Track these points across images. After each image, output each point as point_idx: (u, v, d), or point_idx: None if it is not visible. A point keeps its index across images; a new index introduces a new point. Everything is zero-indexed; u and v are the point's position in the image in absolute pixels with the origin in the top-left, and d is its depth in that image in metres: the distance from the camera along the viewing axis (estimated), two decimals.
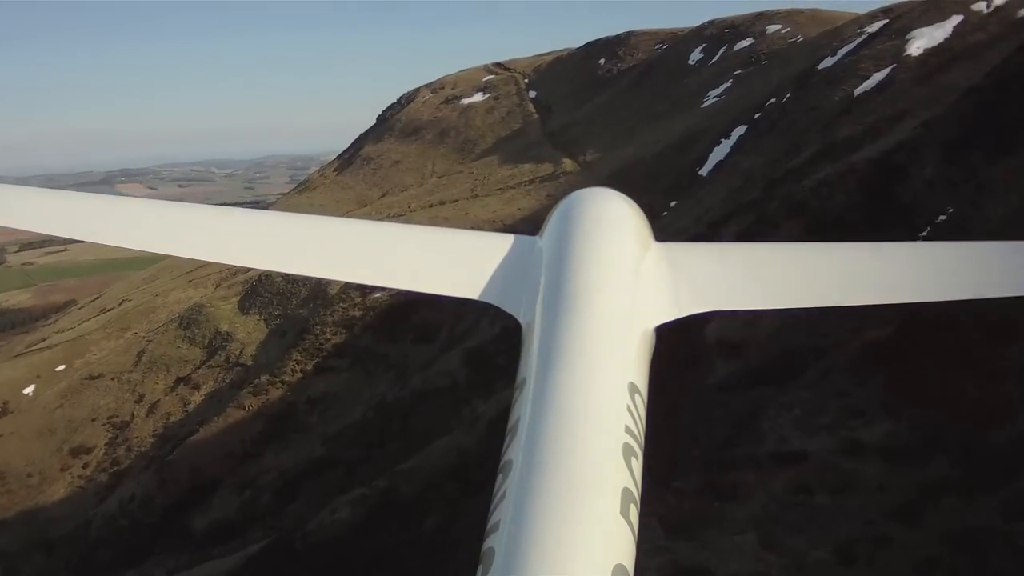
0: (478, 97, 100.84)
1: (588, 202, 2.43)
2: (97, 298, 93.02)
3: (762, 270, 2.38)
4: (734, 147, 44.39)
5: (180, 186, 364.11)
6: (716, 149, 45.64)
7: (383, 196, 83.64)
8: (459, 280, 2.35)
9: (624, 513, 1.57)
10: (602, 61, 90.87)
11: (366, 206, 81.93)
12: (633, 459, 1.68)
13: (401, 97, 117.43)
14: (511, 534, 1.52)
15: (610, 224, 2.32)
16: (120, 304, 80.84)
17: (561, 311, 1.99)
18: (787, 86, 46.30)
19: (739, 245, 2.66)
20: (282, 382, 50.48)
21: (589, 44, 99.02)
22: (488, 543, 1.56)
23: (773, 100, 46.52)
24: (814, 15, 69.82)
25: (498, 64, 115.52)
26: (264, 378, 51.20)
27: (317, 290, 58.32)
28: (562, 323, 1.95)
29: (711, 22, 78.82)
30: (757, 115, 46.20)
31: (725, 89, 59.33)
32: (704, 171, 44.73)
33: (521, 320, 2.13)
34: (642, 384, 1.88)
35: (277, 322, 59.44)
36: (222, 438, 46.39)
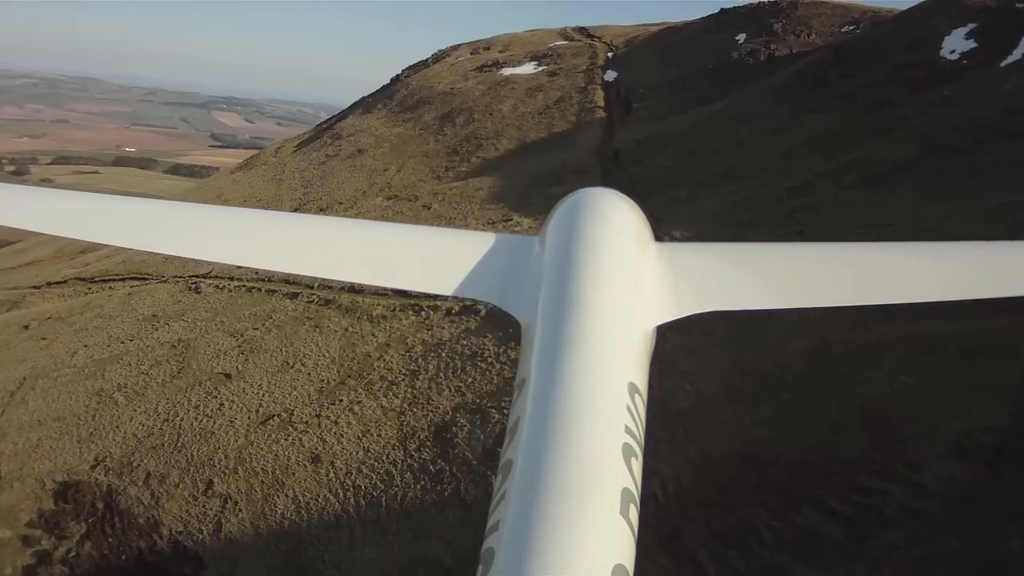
0: (528, 68, 62.13)
1: (589, 202, 2.36)
2: None
3: (762, 270, 2.33)
4: None
5: (279, 123, 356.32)
6: None
7: (296, 208, 46.36)
8: (460, 280, 2.27)
9: (624, 513, 1.54)
10: (741, 39, 50.35)
11: None
12: (633, 459, 1.65)
13: (431, 56, 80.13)
14: (511, 534, 1.50)
15: (610, 224, 2.25)
16: None
17: (561, 311, 1.94)
18: None
19: (739, 245, 2.48)
20: None
21: (722, 11, 58.54)
22: (488, 543, 1.53)
23: None
24: None
25: (580, 28, 76.42)
26: None
27: None
28: (562, 323, 1.90)
29: None
30: None
31: None
32: None
33: (521, 319, 2.08)
34: (642, 384, 1.85)
35: None
36: None
